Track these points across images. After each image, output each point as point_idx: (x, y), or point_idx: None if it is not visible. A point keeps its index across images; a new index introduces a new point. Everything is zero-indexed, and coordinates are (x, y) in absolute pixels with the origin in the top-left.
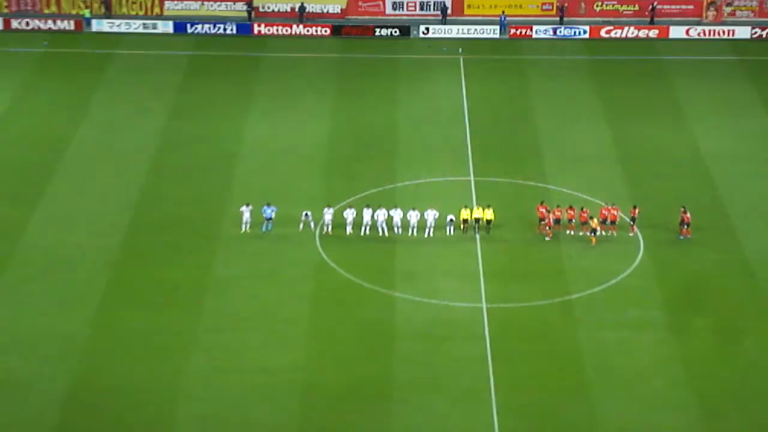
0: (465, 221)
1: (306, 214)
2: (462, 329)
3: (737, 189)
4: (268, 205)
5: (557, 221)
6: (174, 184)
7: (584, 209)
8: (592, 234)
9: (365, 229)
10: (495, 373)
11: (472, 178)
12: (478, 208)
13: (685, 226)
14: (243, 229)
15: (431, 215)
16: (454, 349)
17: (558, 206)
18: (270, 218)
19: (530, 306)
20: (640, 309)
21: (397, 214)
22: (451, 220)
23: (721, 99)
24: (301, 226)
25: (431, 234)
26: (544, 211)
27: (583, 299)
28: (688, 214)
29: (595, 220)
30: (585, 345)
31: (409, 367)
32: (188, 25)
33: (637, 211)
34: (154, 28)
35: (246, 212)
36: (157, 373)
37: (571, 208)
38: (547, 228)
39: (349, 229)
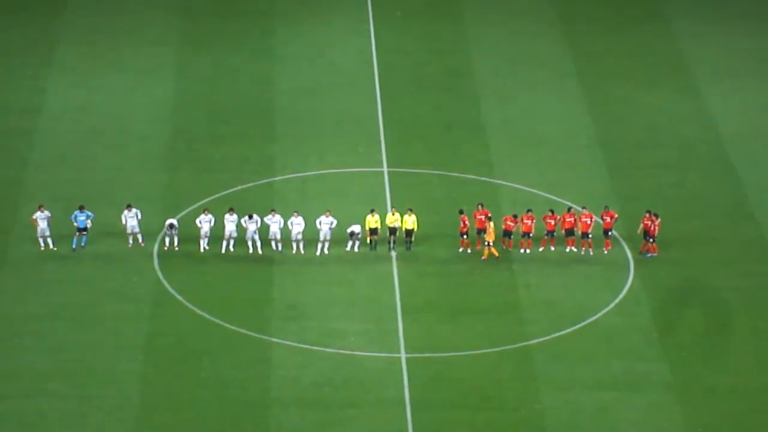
0: (374, 232)
1: (170, 226)
2: (371, 391)
3: None
4: (81, 209)
5: (507, 233)
6: None
7: (547, 215)
8: (487, 246)
9: (228, 245)
10: None
11: (385, 168)
12: (393, 214)
13: (651, 240)
14: (42, 245)
15: (325, 224)
16: (359, 422)
17: (515, 214)
18: (84, 228)
19: (470, 356)
20: (629, 359)
21: (275, 222)
22: (353, 232)
23: (747, 52)
24: (159, 242)
25: (325, 251)
26: (483, 218)
27: (547, 345)
28: (658, 222)
29: (492, 226)
30: (551, 414)
31: None
32: None
33: (613, 217)
34: None
35: (43, 220)
36: None
37: (527, 215)
38: (488, 244)
39: (203, 245)
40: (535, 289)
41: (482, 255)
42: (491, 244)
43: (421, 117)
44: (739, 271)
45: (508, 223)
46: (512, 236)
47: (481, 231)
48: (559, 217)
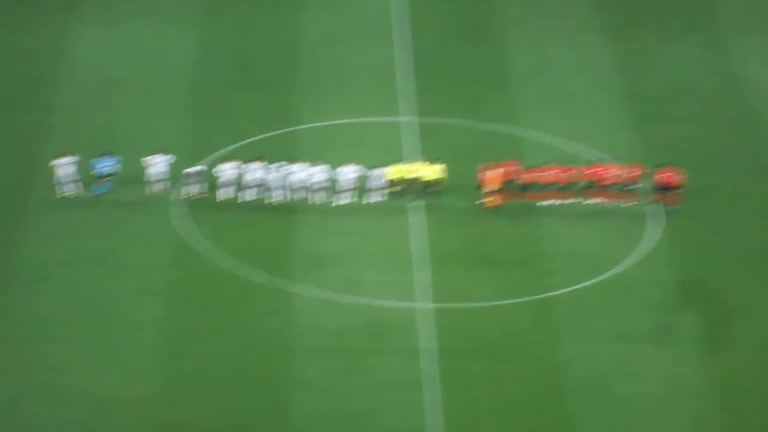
0: (398, 182)
1: (194, 173)
2: (392, 340)
3: None
4: (105, 155)
5: (528, 186)
6: None
7: (570, 166)
8: (488, 194)
9: (249, 193)
10: (442, 407)
11: (409, 118)
12: (418, 163)
13: (672, 192)
14: (62, 192)
15: (349, 173)
16: (381, 370)
17: (538, 165)
18: (108, 174)
19: (492, 306)
20: (652, 312)
21: (297, 172)
22: (378, 179)
23: None
24: (182, 189)
25: (349, 200)
26: (510, 169)
27: (569, 297)
28: (682, 173)
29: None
30: (571, 365)
31: (313, 397)
32: None
33: (639, 171)
34: None
35: (66, 166)
36: None
37: (549, 166)
38: (488, 192)
39: (224, 193)
40: (558, 241)
41: (485, 203)
42: (491, 192)
43: (448, 67)
44: (762, 225)
45: (530, 174)
46: (534, 188)
47: (531, 185)
48: (580, 169)
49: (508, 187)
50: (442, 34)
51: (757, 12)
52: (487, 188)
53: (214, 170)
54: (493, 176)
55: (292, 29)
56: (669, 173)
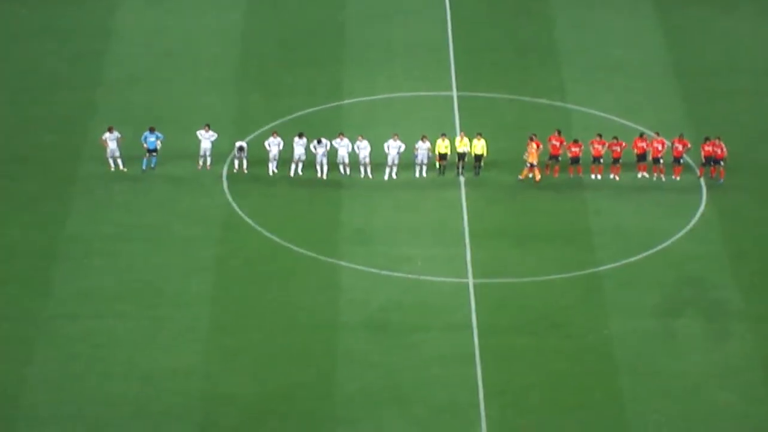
0: (443, 157)
1: (240, 148)
2: (439, 316)
3: None
4: (152, 131)
5: (576, 159)
6: (4, 102)
7: (618, 141)
8: (530, 167)
9: (297, 168)
10: (486, 382)
11: (454, 93)
12: (462, 138)
13: (719, 164)
14: (112, 166)
15: (394, 148)
16: (426, 346)
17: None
18: (154, 150)
19: (539, 282)
20: (700, 287)
21: (343, 146)
22: (423, 154)
23: None
24: (229, 164)
25: (394, 175)
26: (557, 144)
27: (616, 272)
28: (723, 147)
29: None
30: (619, 340)
31: (361, 371)
32: None
33: (686, 146)
34: None
35: (113, 141)
36: None
37: (599, 140)
38: (530, 165)
39: (272, 167)
40: (605, 216)
41: (535, 177)
42: (534, 165)
43: (493, 41)
44: None
45: (574, 149)
46: (580, 161)
47: (555, 157)
48: (626, 143)
49: (554, 161)
50: (488, 7)
51: None
52: (528, 161)
53: (265, 143)
54: (531, 150)
55: (337, 4)
56: (712, 147)
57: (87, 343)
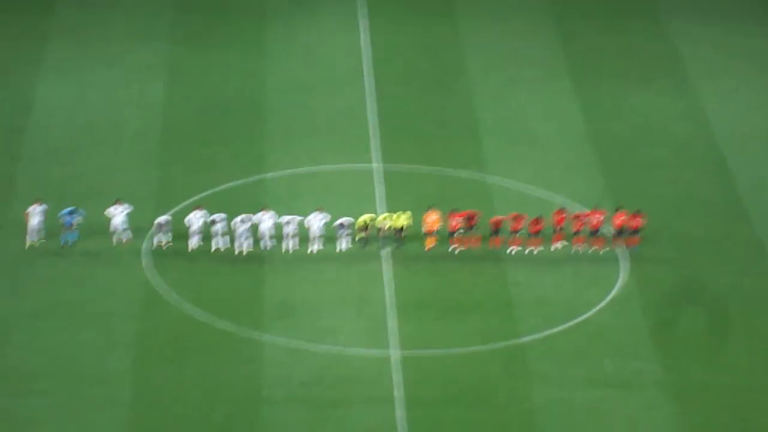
0: (366, 229)
1: (160, 224)
2: (362, 389)
3: (764, 183)
4: (71, 213)
5: (496, 231)
6: None
7: (540, 218)
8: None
9: (219, 242)
10: None
11: (377, 165)
12: (387, 215)
13: (629, 234)
14: (30, 241)
15: (317, 221)
16: (350, 420)
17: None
18: (71, 225)
19: (463, 353)
20: (622, 358)
21: (266, 220)
22: (342, 225)
23: (742, 50)
24: (148, 239)
25: (317, 248)
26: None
27: (539, 343)
28: (640, 217)
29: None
30: (543, 411)
31: None
32: None
33: (602, 216)
34: None
35: (38, 214)
36: None
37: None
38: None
39: (193, 242)
40: (525, 287)
41: (426, 245)
42: (430, 234)
43: (414, 114)
44: (733, 270)
45: (498, 220)
46: (502, 234)
47: (497, 230)
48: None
49: (473, 232)
50: (408, 81)
51: (720, 59)
52: (427, 231)
53: (185, 220)
54: (432, 220)
55: (257, 77)
56: (624, 217)
57: (7, 422)
